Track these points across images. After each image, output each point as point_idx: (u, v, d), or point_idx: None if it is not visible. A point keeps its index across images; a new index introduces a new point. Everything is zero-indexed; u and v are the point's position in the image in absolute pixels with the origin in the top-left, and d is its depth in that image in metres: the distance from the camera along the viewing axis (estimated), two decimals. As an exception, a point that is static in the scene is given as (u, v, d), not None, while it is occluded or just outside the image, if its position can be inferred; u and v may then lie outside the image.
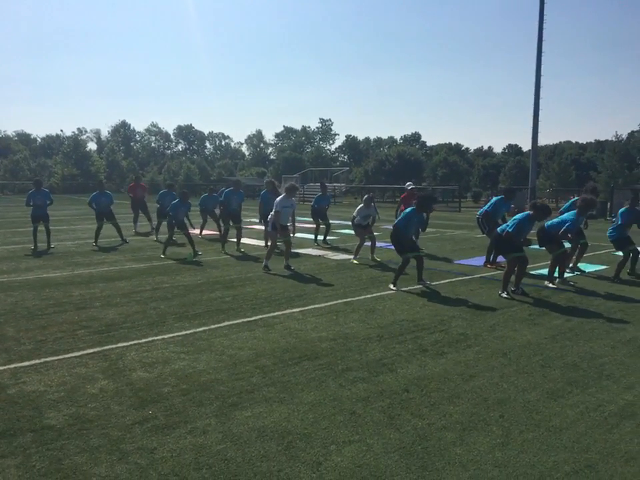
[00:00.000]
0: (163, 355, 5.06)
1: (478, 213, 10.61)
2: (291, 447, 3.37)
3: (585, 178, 52.76)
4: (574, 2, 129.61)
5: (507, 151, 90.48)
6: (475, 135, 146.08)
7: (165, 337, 5.61)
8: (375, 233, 11.18)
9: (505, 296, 7.53)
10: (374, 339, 5.60)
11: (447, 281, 8.84)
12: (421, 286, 8.26)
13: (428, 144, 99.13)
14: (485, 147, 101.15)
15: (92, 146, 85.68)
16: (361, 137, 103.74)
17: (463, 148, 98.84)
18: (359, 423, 3.70)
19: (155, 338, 5.56)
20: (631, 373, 4.67)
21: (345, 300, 7.36)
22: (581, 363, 4.90)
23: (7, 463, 3.14)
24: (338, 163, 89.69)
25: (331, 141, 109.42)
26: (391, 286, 8.14)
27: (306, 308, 6.87)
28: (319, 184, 43.15)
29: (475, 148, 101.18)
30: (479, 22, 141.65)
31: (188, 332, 5.78)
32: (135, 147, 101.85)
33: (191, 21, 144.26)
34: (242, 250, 11.98)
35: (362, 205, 10.86)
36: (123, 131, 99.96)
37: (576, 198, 9.69)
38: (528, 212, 7.67)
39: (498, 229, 8.11)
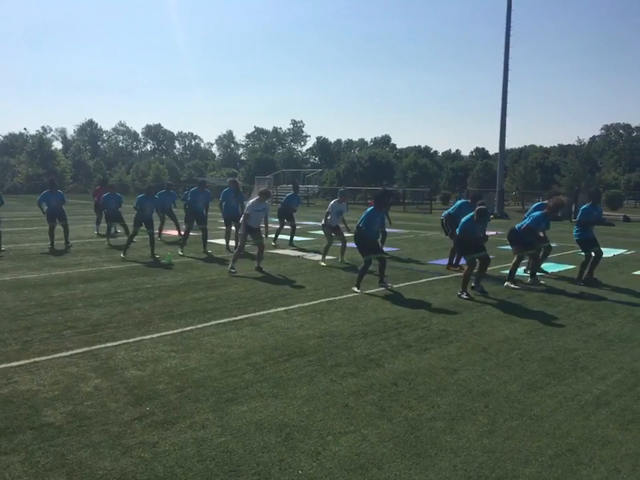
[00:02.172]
0: (153, 353, 5.10)
1: (442, 215, 10.72)
2: (289, 438, 3.50)
3: (549, 181, 54.38)
4: (541, 9, 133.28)
5: (474, 154, 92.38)
6: (443, 138, 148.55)
7: (153, 336, 5.65)
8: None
9: (465, 297, 7.58)
10: (359, 336, 5.77)
11: (425, 280, 9.09)
12: (382, 288, 8.19)
13: (398, 146, 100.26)
14: (453, 150, 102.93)
15: (57, 145, 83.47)
16: (332, 139, 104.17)
17: (432, 151, 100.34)
18: (353, 414, 3.85)
19: (143, 337, 5.59)
20: (603, 365, 4.96)
21: (327, 299, 7.51)
22: (557, 357, 5.17)
23: (11, 460, 3.17)
24: (309, 165, 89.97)
25: (302, 143, 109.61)
26: (355, 289, 8.02)
27: (290, 307, 6.99)
28: (292, 185, 43.28)
29: (444, 151, 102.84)
30: (449, 26, 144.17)
31: (176, 331, 5.83)
32: (102, 147, 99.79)
33: (160, 18, 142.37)
34: (209, 251, 11.69)
35: (336, 199, 10.75)
36: (89, 129, 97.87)
37: (539, 202, 9.97)
38: (472, 215, 7.89)
39: (457, 232, 8.19)
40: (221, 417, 3.79)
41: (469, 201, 10.15)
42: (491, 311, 6.98)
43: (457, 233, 7.89)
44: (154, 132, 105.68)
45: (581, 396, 4.24)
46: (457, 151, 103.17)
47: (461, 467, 3.18)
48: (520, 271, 9.61)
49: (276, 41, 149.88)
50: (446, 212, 10.51)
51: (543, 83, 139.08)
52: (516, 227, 8.81)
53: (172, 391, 4.23)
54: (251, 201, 9.67)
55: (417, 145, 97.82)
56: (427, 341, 5.63)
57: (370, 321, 6.39)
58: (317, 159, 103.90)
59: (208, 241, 12.19)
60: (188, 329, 5.92)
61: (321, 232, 10.99)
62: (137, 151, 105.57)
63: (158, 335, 5.70)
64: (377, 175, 54.88)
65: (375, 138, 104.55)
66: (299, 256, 11.64)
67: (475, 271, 8.08)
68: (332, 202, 10.80)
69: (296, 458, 3.25)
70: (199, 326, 6.03)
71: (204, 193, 12.24)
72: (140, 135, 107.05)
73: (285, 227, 13.59)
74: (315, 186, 42.40)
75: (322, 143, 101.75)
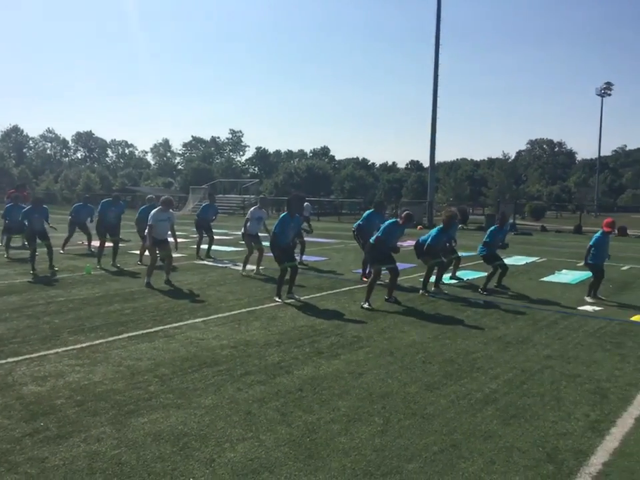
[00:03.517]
0: (56, 368, 4.96)
1: (353, 227, 10.69)
2: (186, 447, 3.52)
3: (478, 193, 57.04)
4: (470, 29, 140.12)
5: (409, 166, 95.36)
6: (381, 150, 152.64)
7: (59, 350, 5.48)
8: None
9: (367, 307, 7.61)
10: (273, 345, 5.85)
11: (347, 288, 9.31)
12: (291, 300, 8.06)
13: (337, 158, 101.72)
14: (390, 162, 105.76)
15: (-23, 152, 78.48)
16: (271, 149, 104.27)
17: (369, 163, 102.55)
18: (254, 421, 3.92)
19: (48, 352, 5.41)
20: (497, 365, 5.30)
21: (248, 309, 7.55)
22: (457, 358, 5.47)
23: None
24: (249, 175, 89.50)
25: (241, 153, 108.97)
26: (276, 298, 7.99)
27: (209, 318, 6.97)
28: (228, 195, 42.88)
29: (381, 163, 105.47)
30: (384, 41, 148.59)
31: (84, 345, 5.68)
32: (28, 154, 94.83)
33: (90, 20, 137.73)
34: (117, 265, 11.19)
35: (256, 205, 10.58)
36: (14, 136, 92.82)
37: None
38: (396, 219, 8.19)
39: (370, 239, 8.33)
40: (118, 429, 3.75)
41: (374, 209, 10.32)
42: (403, 317, 7.27)
43: (378, 235, 7.97)
44: (85, 139, 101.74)
45: (472, 394, 4.51)
46: (394, 163, 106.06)
47: (349, 467, 3.32)
48: (446, 277, 10.06)
49: (215, 51, 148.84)
50: (356, 223, 10.51)
51: (475, 98, 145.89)
52: (420, 239, 9.16)
53: (70, 405, 4.13)
54: (153, 211, 9.24)
55: (355, 157, 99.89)
56: (339, 347, 5.80)
57: (286, 330, 6.48)
58: (256, 169, 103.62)
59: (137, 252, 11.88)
60: (97, 342, 5.79)
61: (265, 234, 10.86)
62: (67, 158, 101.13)
63: (64, 349, 5.53)
64: (315, 186, 55.49)
65: (314, 149, 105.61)
66: (226, 266, 11.60)
67: (387, 281, 8.27)
68: (252, 208, 10.69)
69: (189, 466, 3.28)
70: (110, 339, 5.91)
71: (117, 205, 11.75)
72: (70, 143, 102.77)
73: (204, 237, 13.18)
74: (252, 196, 42.16)
75: (261, 153, 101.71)
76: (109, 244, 11.50)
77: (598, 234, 8.63)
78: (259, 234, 10.69)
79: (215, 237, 13.85)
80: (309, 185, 56.07)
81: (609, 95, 64.14)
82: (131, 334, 6.12)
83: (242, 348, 5.70)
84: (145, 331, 6.25)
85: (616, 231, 8.54)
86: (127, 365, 5.08)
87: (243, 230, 10.74)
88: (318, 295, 8.69)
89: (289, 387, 4.61)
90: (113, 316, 6.94)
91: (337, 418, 4.00)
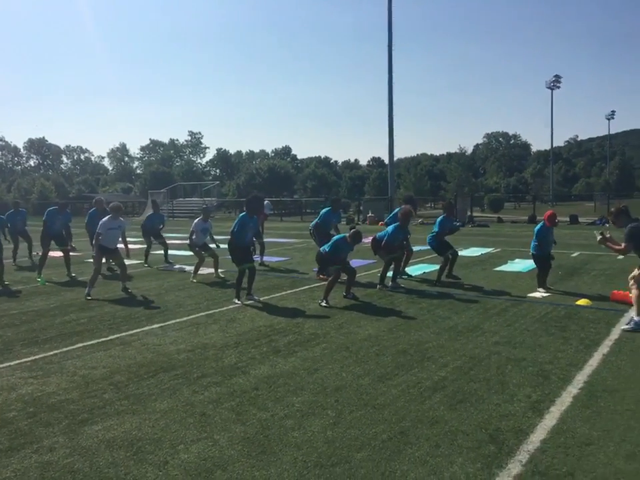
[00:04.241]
0: (8, 381, 4.88)
1: (310, 226, 10.68)
2: (139, 451, 3.55)
3: (437, 187, 58.18)
4: (423, 26, 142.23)
5: (371, 163, 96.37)
6: (343, 148, 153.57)
7: (11, 363, 5.39)
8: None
9: (324, 305, 7.73)
10: (231, 346, 5.90)
11: (306, 287, 9.42)
12: (250, 302, 8.07)
13: (299, 157, 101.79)
14: (352, 160, 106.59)
15: None
16: (232, 150, 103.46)
17: (332, 161, 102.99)
18: (208, 422, 3.98)
19: (0, 366, 5.32)
20: (448, 353, 5.51)
21: (207, 312, 7.56)
22: (409, 349, 5.65)
23: None
24: (210, 177, 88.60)
25: (201, 155, 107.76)
26: (235, 300, 8.03)
27: (166, 323, 6.96)
28: (189, 199, 42.33)
29: (343, 160, 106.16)
30: (341, 41, 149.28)
31: (37, 357, 5.60)
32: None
33: (39, 23, 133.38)
34: (73, 275, 10.93)
35: (200, 217, 10.50)
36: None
37: (398, 209, 10.22)
38: (344, 234, 8.28)
39: (320, 248, 8.49)
40: (71, 438, 3.75)
41: (331, 208, 10.37)
42: (360, 312, 7.43)
43: (327, 250, 8.10)
44: (37, 146, 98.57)
45: (422, 383, 4.69)
46: (356, 160, 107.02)
47: (301, 459, 3.42)
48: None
49: (171, 51, 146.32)
50: (313, 222, 10.57)
51: (432, 94, 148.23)
52: (377, 236, 9.29)
53: (23, 417, 4.10)
54: (103, 219, 8.97)
55: (317, 156, 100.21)
56: (296, 345, 5.90)
57: (245, 331, 6.54)
58: (217, 170, 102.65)
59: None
60: (51, 353, 5.71)
61: (213, 245, 10.80)
62: (19, 167, 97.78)
63: (17, 362, 5.44)
64: (277, 186, 55.45)
65: (275, 149, 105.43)
66: (186, 271, 11.52)
67: (344, 278, 8.40)
68: (195, 220, 10.54)
69: (142, 470, 3.32)
70: (64, 349, 5.84)
71: (63, 213, 11.23)
72: (22, 150, 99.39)
73: (154, 244, 12.92)
74: (214, 199, 41.83)
75: (222, 155, 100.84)
76: (57, 254, 11.23)
77: (539, 226, 8.73)
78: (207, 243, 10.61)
79: (176, 242, 13.71)
80: (271, 185, 55.99)
81: (559, 87, 66.29)
82: (86, 343, 6.06)
83: (199, 351, 5.73)
84: (100, 340, 6.20)
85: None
86: (81, 374, 5.05)
87: (188, 242, 10.60)
88: (278, 294, 8.77)
89: (244, 386, 4.68)
90: (68, 326, 6.85)
91: (290, 413, 4.10)
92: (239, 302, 8.01)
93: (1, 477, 3.24)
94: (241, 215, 8.27)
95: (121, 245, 9.20)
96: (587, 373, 4.89)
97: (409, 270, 10.58)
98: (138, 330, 6.62)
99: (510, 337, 6.08)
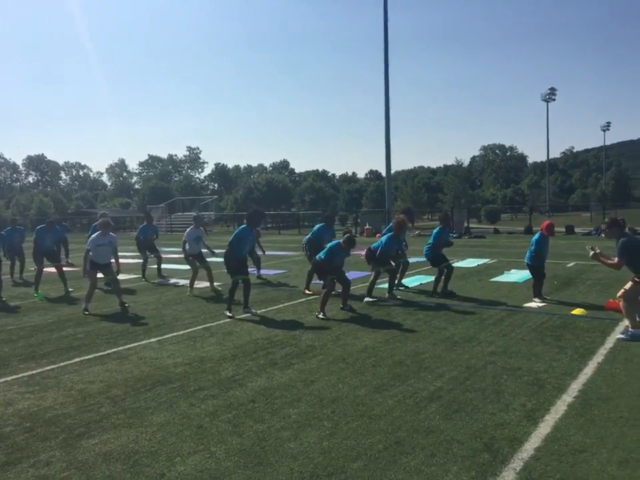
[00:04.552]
0: (5, 397, 4.89)
1: (303, 241, 10.57)
2: (136, 464, 3.56)
3: (434, 199, 58.43)
4: (419, 39, 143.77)
5: (369, 176, 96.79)
6: (340, 161, 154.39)
7: (8, 379, 5.40)
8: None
9: (322, 317, 7.74)
10: (228, 359, 5.92)
11: (304, 299, 9.45)
12: (247, 314, 8.10)
13: (297, 171, 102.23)
14: (350, 173, 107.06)
15: None
16: (230, 165, 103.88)
17: (329, 174, 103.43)
18: (205, 434, 4.00)
19: (-3, 381, 5.33)
20: (444, 364, 5.53)
21: (204, 326, 7.58)
22: (406, 360, 5.68)
23: None
24: (209, 192, 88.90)
25: (200, 169, 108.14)
26: (227, 312, 8.01)
27: (164, 337, 6.98)
28: (187, 213, 42.46)
29: (341, 174, 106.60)
30: (337, 55, 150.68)
31: (34, 372, 5.61)
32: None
33: (39, 43, 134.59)
34: (70, 289, 10.89)
35: (192, 226, 10.50)
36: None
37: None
38: (339, 241, 8.29)
39: (316, 256, 8.49)
40: (68, 452, 3.76)
41: (324, 224, 10.24)
42: (357, 324, 7.46)
43: (323, 257, 8.16)
44: (36, 163, 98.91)
45: (418, 393, 4.71)
46: (353, 173, 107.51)
47: (297, 470, 3.44)
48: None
49: (169, 67, 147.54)
50: (306, 237, 10.46)
51: (429, 107, 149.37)
52: (371, 247, 9.30)
53: (20, 432, 4.11)
54: (93, 235, 8.89)
55: (315, 169, 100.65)
56: (293, 357, 5.92)
57: (242, 343, 6.56)
58: (215, 185, 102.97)
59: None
60: (48, 368, 5.73)
61: (214, 259, 10.81)
62: (18, 183, 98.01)
63: (14, 377, 5.46)
64: (275, 200, 55.61)
65: (273, 163, 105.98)
66: (183, 285, 11.54)
67: (339, 291, 8.40)
68: (187, 230, 10.53)
69: (139, 482, 3.33)
70: (62, 364, 5.85)
71: (52, 230, 11.33)
72: (20, 167, 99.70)
73: (149, 258, 12.86)
74: (212, 213, 41.94)
75: (220, 170, 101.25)
76: (52, 270, 11.27)
77: (537, 236, 8.79)
78: (202, 251, 10.61)
79: (174, 255, 13.72)
80: (269, 199, 56.14)
81: (554, 100, 66.96)
82: (83, 358, 6.08)
83: (196, 364, 5.75)
84: (97, 354, 6.21)
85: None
86: (78, 388, 5.06)
87: (183, 253, 10.58)
88: (275, 307, 8.80)
89: (241, 399, 4.70)
90: (65, 341, 6.86)
91: (287, 425, 4.12)
92: (231, 314, 7.98)
93: (-2, 491, 3.26)
94: (241, 227, 8.32)
95: (112, 260, 9.16)
96: (581, 381, 4.92)
97: (405, 281, 10.61)
98: (135, 344, 6.64)
99: (506, 346, 6.11)
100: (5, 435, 4.06)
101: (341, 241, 8.21)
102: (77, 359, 6.03)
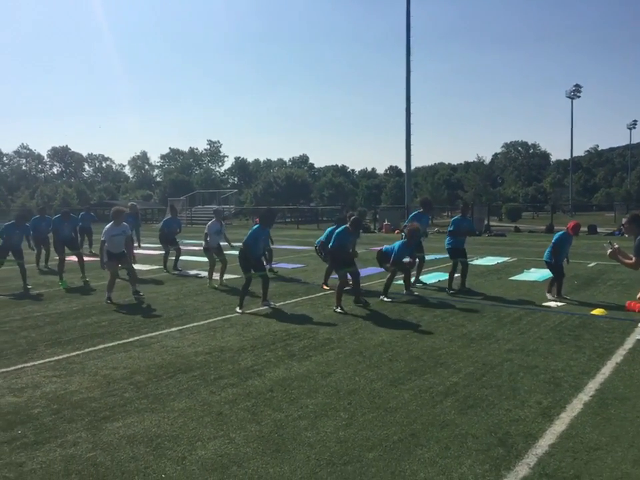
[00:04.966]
0: (33, 380, 5.08)
1: (315, 243, 10.58)
2: (159, 447, 3.69)
3: (455, 196, 57.95)
4: (441, 34, 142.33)
5: (388, 172, 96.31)
6: (360, 157, 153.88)
7: (36, 363, 5.60)
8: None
9: (339, 311, 7.85)
10: (247, 349, 6.04)
11: (322, 294, 9.53)
12: (266, 307, 8.19)
13: (316, 165, 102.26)
14: (369, 169, 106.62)
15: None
16: (250, 159, 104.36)
17: (348, 169, 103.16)
18: (225, 421, 4.12)
19: (25, 365, 5.53)
20: (460, 360, 5.57)
21: (223, 317, 7.72)
22: (422, 355, 5.73)
23: None
24: (228, 185, 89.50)
25: (220, 163, 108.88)
26: (237, 309, 8.02)
27: (185, 327, 7.13)
28: (207, 206, 42.86)
29: (360, 169, 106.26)
30: (360, 49, 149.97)
31: (61, 357, 5.80)
32: (2, 170, 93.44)
33: (62, 37, 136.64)
34: (87, 279, 11.11)
35: (213, 219, 10.68)
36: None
37: (415, 212, 10.31)
38: (346, 226, 8.36)
39: (329, 246, 8.51)
40: (94, 434, 3.91)
41: (335, 226, 9.95)
42: (374, 318, 7.52)
43: (332, 243, 8.26)
44: (61, 154, 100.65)
45: (434, 388, 4.76)
46: (373, 169, 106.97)
47: (314, 457, 3.53)
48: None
49: (190, 61, 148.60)
50: (318, 240, 10.43)
51: (452, 102, 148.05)
52: (383, 249, 9.19)
53: (47, 413, 4.28)
54: (107, 226, 8.89)
55: (334, 164, 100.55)
56: (311, 349, 6.01)
57: (261, 335, 6.68)
58: (235, 179, 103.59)
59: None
60: (74, 354, 5.91)
61: (232, 251, 10.95)
62: (43, 174, 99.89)
63: (41, 361, 5.65)
64: (294, 194, 55.79)
65: (293, 157, 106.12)
66: (204, 276, 11.71)
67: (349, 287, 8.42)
68: (209, 223, 10.70)
69: (161, 464, 3.46)
70: (86, 350, 6.04)
71: (69, 220, 11.63)
72: (45, 158, 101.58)
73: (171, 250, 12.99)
74: (232, 206, 42.26)
75: (240, 163, 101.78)
76: (74, 258, 11.56)
77: (561, 233, 8.73)
78: (221, 245, 10.81)
79: (194, 248, 13.93)
80: (288, 194, 56.33)
81: (579, 97, 65.83)
82: (107, 345, 6.26)
83: (216, 354, 5.88)
84: (121, 342, 6.39)
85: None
86: (103, 374, 5.23)
87: (204, 244, 10.75)
88: (293, 300, 8.90)
89: (260, 388, 4.81)
90: (89, 328, 7.06)
91: (304, 414, 4.21)
92: (241, 311, 7.97)
93: (28, 469, 3.41)
94: (255, 227, 8.46)
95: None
96: (598, 380, 4.91)
97: (423, 278, 10.63)
98: (157, 333, 6.80)
99: (523, 344, 6.11)
100: (34, 416, 4.23)
101: (348, 225, 8.32)
102: (101, 346, 6.21)
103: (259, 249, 8.35)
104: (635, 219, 6.35)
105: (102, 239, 8.82)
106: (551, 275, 8.97)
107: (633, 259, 6.15)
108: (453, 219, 10.08)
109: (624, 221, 6.58)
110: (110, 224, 8.92)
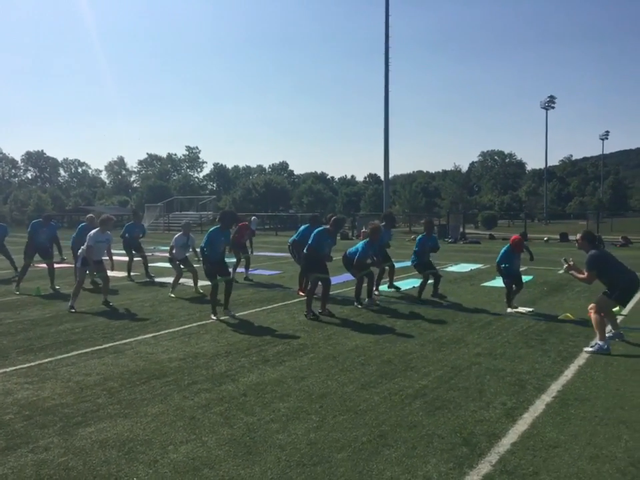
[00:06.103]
0: (4, 387, 5.05)
1: (289, 241, 10.59)
2: (131, 451, 3.73)
3: (432, 204, 58.71)
4: (419, 45, 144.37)
5: (367, 179, 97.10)
6: (339, 164, 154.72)
7: (7, 370, 5.56)
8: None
9: (312, 317, 7.93)
10: (222, 355, 6.09)
11: (297, 300, 9.61)
12: (227, 317, 8.04)
13: (295, 172, 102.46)
14: (349, 176, 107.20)
15: None
16: (229, 165, 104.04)
17: (328, 177, 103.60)
18: (197, 425, 4.17)
19: (-4, 372, 5.49)
20: (430, 364, 5.72)
21: (199, 323, 7.75)
22: (394, 359, 5.86)
23: None
24: (207, 191, 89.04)
25: (198, 169, 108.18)
26: (212, 316, 7.96)
27: (159, 333, 7.14)
28: (185, 212, 42.65)
29: (339, 177, 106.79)
30: (339, 57, 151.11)
31: (33, 364, 5.77)
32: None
33: (38, 42, 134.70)
34: (57, 287, 10.86)
35: (180, 232, 10.57)
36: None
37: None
38: (325, 227, 8.45)
39: (304, 249, 8.51)
40: (66, 439, 3.92)
41: (309, 224, 10.18)
42: (349, 324, 7.64)
43: (310, 242, 8.26)
44: (35, 159, 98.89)
45: (404, 391, 4.89)
46: (352, 176, 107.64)
47: (284, 459, 3.62)
48: (383, 287, 10.46)
49: (168, 68, 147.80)
50: (291, 238, 10.49)
51: (430, 111, 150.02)
52: (347, 252, 9.26)
53: (19, 420, 4.27)
54: (92, 232, 8.94)
55: (314, 171, 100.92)
56: (285, 355, 6.09)
57: (236, 341, 6.73)
58: (214, 185, 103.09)
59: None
60: (46, 360, 5.89)
61: (194, 257, 10.97)
62: (16, 179, 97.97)
63: (13, 368, 5.61)
64: (273, 201, 55.83)
65: (272, 164, 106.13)
66: (180, 282, 11.68)
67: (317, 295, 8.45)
68: (176, 236, 10.58)
69: (133, 468, 3.50)
70: (59, 357, 6.02)
71: (48, 226, 11.28)
72: (19, 162, 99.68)
73: (135, 258, 12.83)
74: (210, 212, 42.14)
75: (219, 169, 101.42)
76: (42, 265, 11.40)
77: (505, 248, 8.61)
78: (187, 256, 10.76)
79: (168, 255, 13.76)
80: (268, 200, 56.34)
81: (553, 108, 67.43)
82: (80, 351, 6.24)
83: (190, 360, 5.92)
84: (94, 348, 6.38)
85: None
86: (75, 380, 5.23)
87: (168, 255, 10.73)
88: (269, 306, 8.97)
89: (233, 393, 4.87)
90: (63, 335, 7.03)
91: (276, 418, 4.30)
92: (215, 318, 7.95)
93: (-1, 474, 3.42)
94: (212, 229, 8.21)
95: (105, 258, 9.27)
96: (561, 382, 5.10)
97: (399, 284, 10.81)
98: (131, 339, 6.80)
99: (491, 348, 6.29)
100: (5, 422, 4.22)
101: (327, 227, 8.37)
102: (75, 352, 6.19)
103: (216, 252, 8.06)
104: (586, 236, 6.71)
105: (88, 243, 8.73)
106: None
107: (585, 273, 6.47)
108: (417, 237, 10.06)
109: (578, 236, 6.90)
110: (96, 230, 8.93)
